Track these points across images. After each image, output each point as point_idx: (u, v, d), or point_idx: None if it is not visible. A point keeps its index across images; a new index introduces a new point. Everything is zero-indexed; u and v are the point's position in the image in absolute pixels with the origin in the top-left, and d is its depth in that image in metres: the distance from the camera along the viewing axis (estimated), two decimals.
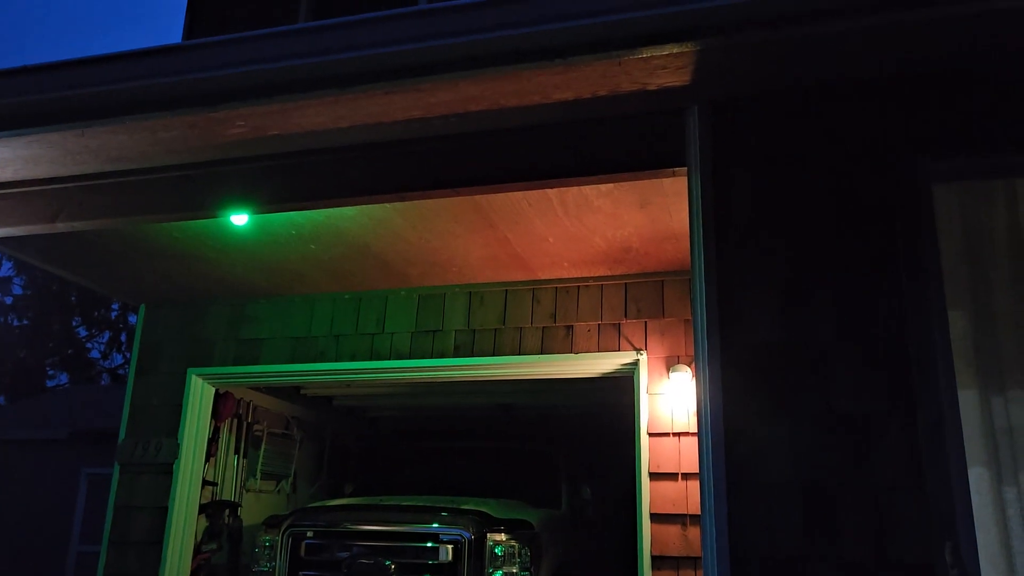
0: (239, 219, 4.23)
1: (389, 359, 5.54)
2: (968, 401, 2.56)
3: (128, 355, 23.26)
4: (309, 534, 5.23)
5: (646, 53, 2.56)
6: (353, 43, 2.72)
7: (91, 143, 3.32)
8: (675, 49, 2.53)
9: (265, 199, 3.58)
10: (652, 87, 2.80)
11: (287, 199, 3.59)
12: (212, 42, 2.96)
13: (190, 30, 6.71)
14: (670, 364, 4.96)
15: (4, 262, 24.06)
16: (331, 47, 2.75)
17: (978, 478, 2.49)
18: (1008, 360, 2.64)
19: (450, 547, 4.92)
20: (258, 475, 7.12)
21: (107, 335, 25.40)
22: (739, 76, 2.79)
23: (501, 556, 4.91)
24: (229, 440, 6.68)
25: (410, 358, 5.50)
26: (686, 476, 4.74)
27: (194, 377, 5.85)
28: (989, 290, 2.73)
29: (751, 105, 2.93)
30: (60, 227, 3.82)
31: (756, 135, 2.92)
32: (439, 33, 2.63)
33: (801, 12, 2.35)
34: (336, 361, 5.65)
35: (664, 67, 2.66)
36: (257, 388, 6.86)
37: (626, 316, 5.17)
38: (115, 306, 24.54)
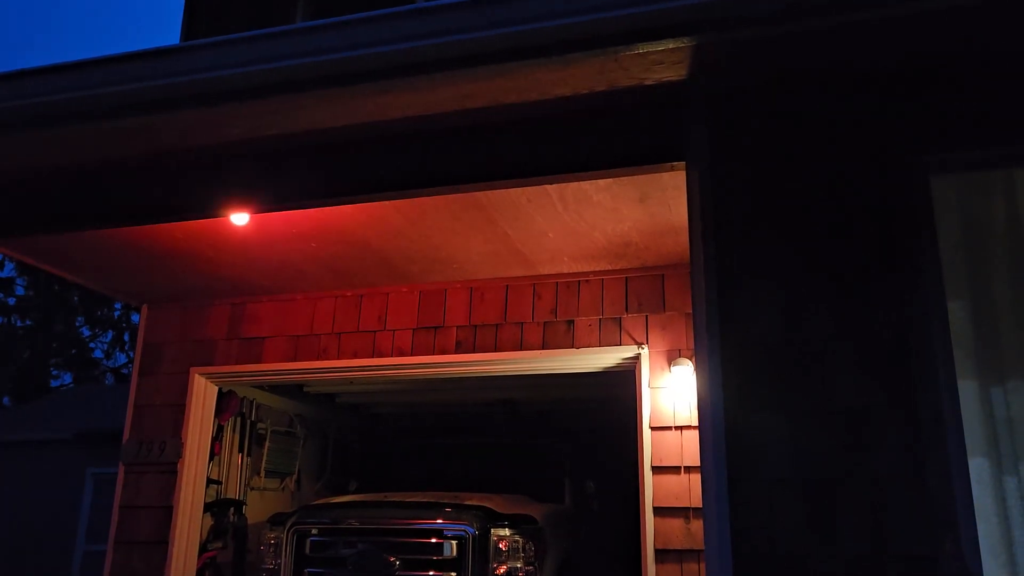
0: (239, 219, 4.24)
1: (391, 356, 5.56)
2: (968, 392, 2.56)
3: (131, 354, 23.27)
4: (314, 531, 5.24)
5: (643, 49, 2.56)
6: (351, 42, 2.72)
7: (89, 143, 3.33)
8: (672, 44, 2.54)
9: (264, 198, 3.59)
10: (650, 82, 2.81)
11: (286, 198, 3.60)
12: (210, 43, 2.96)
13: (188, 31, 6.71)
14: (671, 358, 4.97)
15: (6, 264, 24.08)
16: (329, 46, 2.75)
17: (979, 469, 2.50)
18: (1008, 350, 2.64)
19: (454, 542, 4.94)
20: (262, 473, 7.14)
21: (110, 334, 25.42)
22: (736, 71, 2.79)
23: (505, 551, 4.93)
24: (233, 439, 6.70)
25: (412, 355, 5.52)
26: (689, 469, 4.75)
27: (197, 376, 5.87)
28: (988, 280, 2.73)
29: (749, 99, 2.93)
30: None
31: (754, 129, 2.92)
32: (436, 32, 2.63)
33: (796, 8, 2.35)
34: (338, 359, 5.66)
35: (661, 62, 2.66)
36: (260, 386, 6.88)
37: (627, 310, 5.17)
38: (117, 305, 24.55)
